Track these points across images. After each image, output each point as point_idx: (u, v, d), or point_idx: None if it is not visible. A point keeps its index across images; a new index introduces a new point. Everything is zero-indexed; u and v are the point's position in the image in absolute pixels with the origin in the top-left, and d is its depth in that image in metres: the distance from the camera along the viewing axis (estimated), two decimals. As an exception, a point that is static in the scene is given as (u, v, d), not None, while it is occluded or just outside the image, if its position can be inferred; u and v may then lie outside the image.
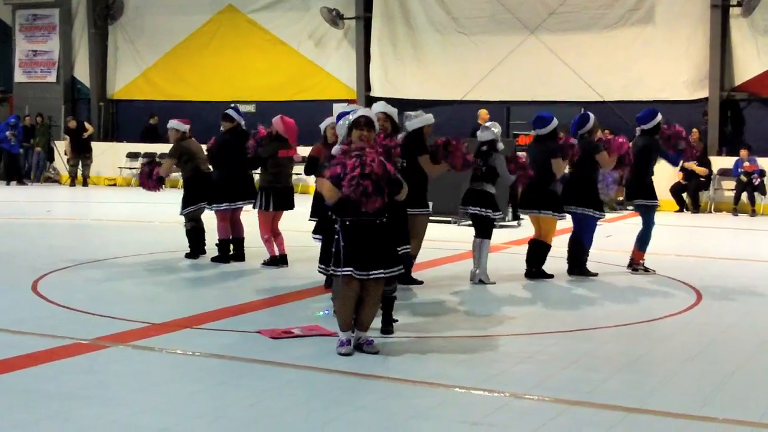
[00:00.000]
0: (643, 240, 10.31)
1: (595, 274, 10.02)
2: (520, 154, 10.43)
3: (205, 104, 23.27)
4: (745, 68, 19.81)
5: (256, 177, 10.85)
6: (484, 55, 21.49)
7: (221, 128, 10.65)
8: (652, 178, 10.32)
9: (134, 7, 25.68)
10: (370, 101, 20.26)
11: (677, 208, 18.99)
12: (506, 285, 9.42)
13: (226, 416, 5.02)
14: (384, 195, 6.13)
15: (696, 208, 19.03)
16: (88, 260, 10.60)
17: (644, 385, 5.81)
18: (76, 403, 5.19)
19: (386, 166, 6.14)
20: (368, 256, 6.28)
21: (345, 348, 6.32)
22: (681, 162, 10.53)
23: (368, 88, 22.75)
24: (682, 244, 14.00)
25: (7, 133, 23.52)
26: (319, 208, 8.37)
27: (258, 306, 8.20)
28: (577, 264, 10.04)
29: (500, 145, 9.41)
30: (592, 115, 10.15)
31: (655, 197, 10.29)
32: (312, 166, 9.04)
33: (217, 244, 10.67)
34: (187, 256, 10.79)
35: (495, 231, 10.03)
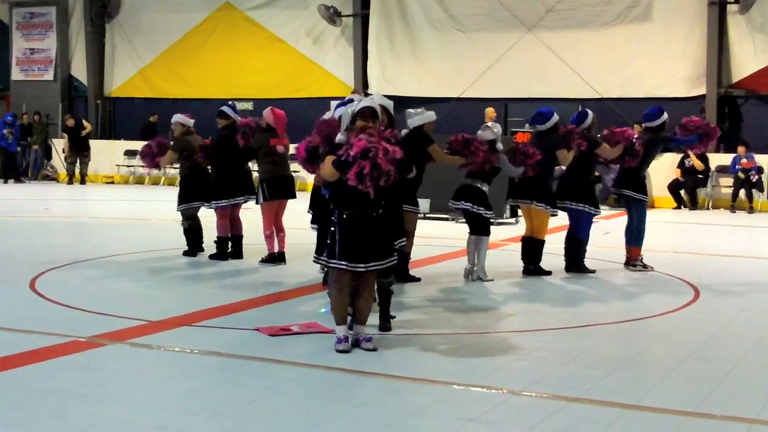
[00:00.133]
0: (637, 236, 10.28)
1: (593, 271, 10.02)
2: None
3: (202, 102, 23.25)
4: (743, 65, 19.82)
5: (255, 175, 10.85)
6: (481, 53, 21.50)
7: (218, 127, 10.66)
8: (648, 174, 10.31)
9: (131, 4, 25.67)
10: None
11: (675, 204, 19.00)
12: (504, 282, 9.42)
13: (224, 414, 5.02)
14: (391, 176, 6.09)
15: (694, 204, 19.04)
16: (86, 258, 10.59)
17: (642, 382, 5.81)
18: (74, 401, 5.18)
19: (393, 149, 6.11)
20: (364, 249, 6.31)
21: (343, 345, 6.33)
22: (700, 145, 10.54)
23: (366, 85, 22.73)
24: (679, 240, 14.01)
25: (5, 131, 23.49)
26: (316, 200, 8.38)
27: (256, 303, 8.20)
28: (575, 261, 10.04)
29: (499, 145, 9.42)
30: (590, 112, 10.15)
31: (645, 193, 10.30)
32: (313, 155, 9.04)
33: (215, 242, 10.67)
34: (185, 253, 10.80)
35: (493, 228, 10.03)
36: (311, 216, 8.82)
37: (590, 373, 5.94)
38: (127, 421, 4.88)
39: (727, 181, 19.10)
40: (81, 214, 17.29)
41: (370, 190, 6.03)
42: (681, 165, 19.03)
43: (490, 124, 9.61)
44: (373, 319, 6.88)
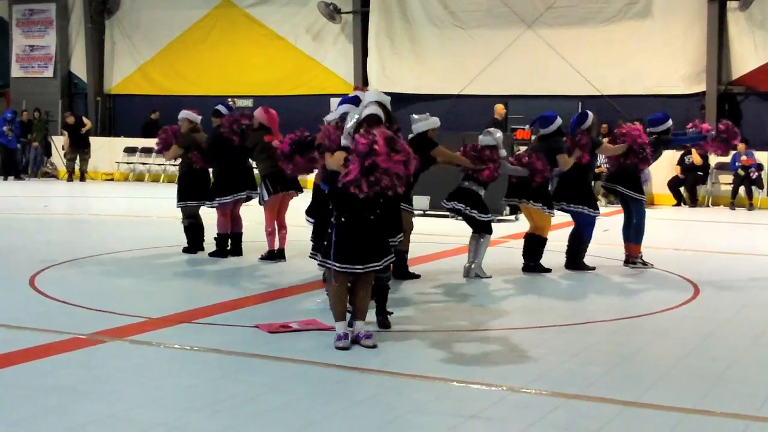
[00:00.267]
0: (636, 233, 10.28)
1: (593, 268, 10.03)
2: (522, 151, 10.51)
3: (202, 99, 23.21)
4: (743, 62, 19.81)
5: (256, 173, 10.85)
6: (481, 50, 21.48)
7: (213, 125, 10.69)
8: (649, 172, 10.36)
9: (130, 1, 25.65)
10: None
11: (675, 202, 19.00)
12: (503, 279, 9.43)
13: (223, 410, 5.02)
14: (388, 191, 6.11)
15: (693, 202, 19.04)
16: (86, 255, 10.59)
17: (642, 378, 5.81)
18: (74, 398, 5.19)
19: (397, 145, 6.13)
20: (361, 251, 6.35)
21: (342, 342, 6.34)
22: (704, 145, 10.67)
23: (366, 82, 22.71)
24: (679, 238, 14.02)
25: (5, 128, 23.49)
26: (317, 196, 8.38)
27: (256, 301, 8.20)
28: (575, 258, 10.05)
29: (503, 152, 9.42)
30: (590, 113, 10.17)
31: (641, 191, 10.33)
32: (301, 146, 9.12)
33: (215, 238, 10.67)
34: (185, 250, 10.80)
35: (493, 226, 10.03)
36: (308, 208, 8.80)
37: (590, 369, 5.94)
38: (127, 417, 4.88)
39: (727, 178, 19.10)
40: (81, 211, 17.28)
41: (363, 193, 6.07)
42: (681, 162, 19.02)
43: (491, 130, 9.64)
44: (372, 316, 6.89)
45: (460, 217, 9.84)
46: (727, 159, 18.98)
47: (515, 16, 21.19)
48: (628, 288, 9.25)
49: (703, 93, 19.87)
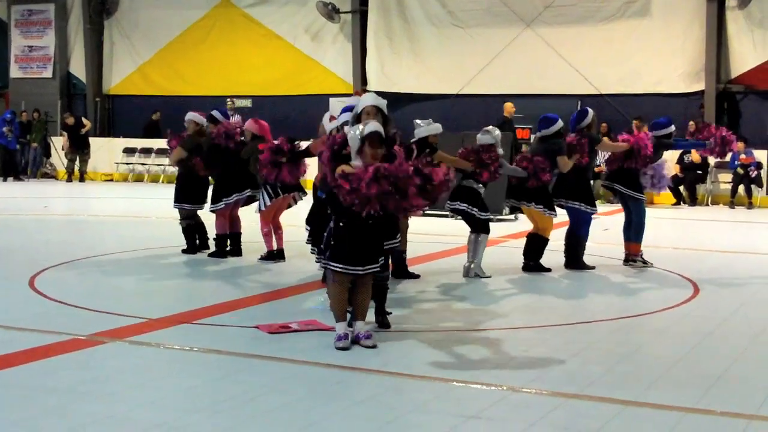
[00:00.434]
0: (636, 232, 10.28)
1: (593, 267, 10.03)
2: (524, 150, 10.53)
3: (201, 99, 23.24)
4: (742, 61, 19.81)
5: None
6: (480, 49, 21.49)
7: (208, 131, 10.68)
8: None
9: (129, 1, 25.66)
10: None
11: (674, 200, 19.00)
12: (503, 278, 9.43)
13: (224, 411, 5.02)
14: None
15: (693, 200, 19.04)
16: (85, 256, 10.59)
17: (642, 377, 5.81)
18: (74, 399, 5.18)
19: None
20: (361, 253, 6.37)
21: (342, 342, 6.34)
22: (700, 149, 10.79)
23: (365, 82, 22.72)
24: (679, 236, 14.01)
25: (4, 128, 23.48)
26: (316, 197, 8.40)
27: (255, 301, 8.19)
28: (574, 257, 10.05)
29: (500, 150, 9.44)
30: (590, 110, 10.19)
31: (641, 191, 10.34)
32: (279, 152, 9.29)
33: (214, 239, 10.67)
34: (185, 251, 10.80)
35: (492, 225, 10.04)
36: (307, 217, 8.85)
37: (590, 369, 5.94)
38: (127, 418, 4.88)
39: (726, 176, 19.11)
40: (80, 212, 17.27)
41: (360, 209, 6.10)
42: (680, 161, 19.03)
43: (489, 128, 9.64)
44: (372, 316, 6.89)
45: (459, 217, 9.85)
46: (727, 158, 19.00)
47: (514, 15, 21.19)
48: (627, 287, 9.25)
49: (702, 92, 19.89)
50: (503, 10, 21.31)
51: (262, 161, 9.32)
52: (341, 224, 6.36)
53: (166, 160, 21.83)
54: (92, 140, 24.22)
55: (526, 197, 9.72)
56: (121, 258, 10.60)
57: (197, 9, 24.68)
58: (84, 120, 24.12)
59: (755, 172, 18.51)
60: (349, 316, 6.58)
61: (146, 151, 23.95)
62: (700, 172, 19.05)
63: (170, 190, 11.26)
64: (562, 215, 10.19)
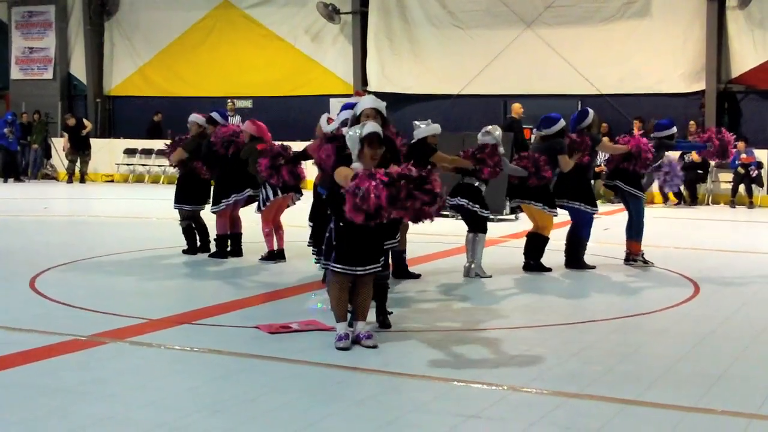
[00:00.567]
0: (636, 231, 10.29)
1: (593, 267, 10.03)
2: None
3: (201, 100, 23.23)
4: (742, 60, 19.80)
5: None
6: (480, 49, 21.47)
7: (208, 132, 10.68)
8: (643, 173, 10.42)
9: (129, 2, 25.63)
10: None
11: (675, 200, 18.99)
12: (504, 278, 9.43)
13: (224, 411, 5.02)
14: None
15: (693, 200, 19.03)
16: (86, 257, 10.59)
17: (642, 377, 5.81)
18: (74, 400, 5.19)
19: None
20: (361, 253, 6.38)
21: (343, 342, 6.34)
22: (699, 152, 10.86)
23: (365, 82, 22.72)
24: (679, 236, 13.99)
25: (5, 130, 23.48)
26: (317, 200, 8.42)
27: (256, 301, 8.20)
28: (575, 257, 10.05)
29: (501, 149, 9.45)
30: (591, 110, 10.20)
31: (640, 188, 10.34)
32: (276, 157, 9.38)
33: (215, 240, 10.67)
34: (185, 252, 10.81)
35: (492, 225, 10.05)
36: (310, 214, 8.90)
37: (590, 368, 5.94)
38: (128, 419, 4.88)
39: (727, 176, 19.09)
40: (81, 213, 17.28)
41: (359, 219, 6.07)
42: (680, 160, 19.00)
43: (489, 128, 9.65)
44: (372, 315, 6.89)
45: (459, 216, 9.85)
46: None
47: (514, 15, 21.18)
48: (628, 287, 9.25)
49: (703, 92, 19.87)
50: (503, 10, 21.29)
51: (261, 167, 9.39)
52: (341, 224, 6.36)
53: (166, 161, 21.81)
54: (93, 141, 24.22)
55: (527, 196, 9.72)
56: (121, 259, 10.60)
57: (197, 10, 24.67)
58: (85, 121, 24.12)
59: (756, 172, 18.50)
60: (349, 316, 6.58)
61: (147, 152, 23.94)
62: (700, 171, 19.04)
63: (171, 191, 11.27)
64: (563, 215, 10.19)
